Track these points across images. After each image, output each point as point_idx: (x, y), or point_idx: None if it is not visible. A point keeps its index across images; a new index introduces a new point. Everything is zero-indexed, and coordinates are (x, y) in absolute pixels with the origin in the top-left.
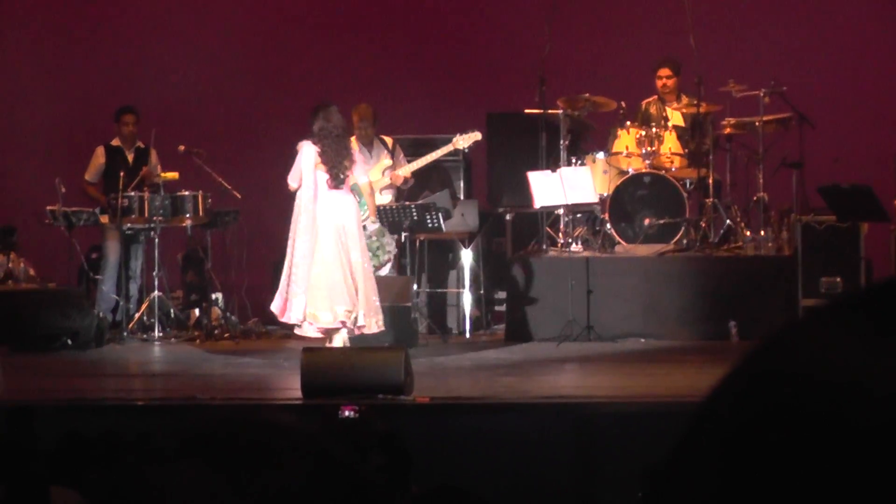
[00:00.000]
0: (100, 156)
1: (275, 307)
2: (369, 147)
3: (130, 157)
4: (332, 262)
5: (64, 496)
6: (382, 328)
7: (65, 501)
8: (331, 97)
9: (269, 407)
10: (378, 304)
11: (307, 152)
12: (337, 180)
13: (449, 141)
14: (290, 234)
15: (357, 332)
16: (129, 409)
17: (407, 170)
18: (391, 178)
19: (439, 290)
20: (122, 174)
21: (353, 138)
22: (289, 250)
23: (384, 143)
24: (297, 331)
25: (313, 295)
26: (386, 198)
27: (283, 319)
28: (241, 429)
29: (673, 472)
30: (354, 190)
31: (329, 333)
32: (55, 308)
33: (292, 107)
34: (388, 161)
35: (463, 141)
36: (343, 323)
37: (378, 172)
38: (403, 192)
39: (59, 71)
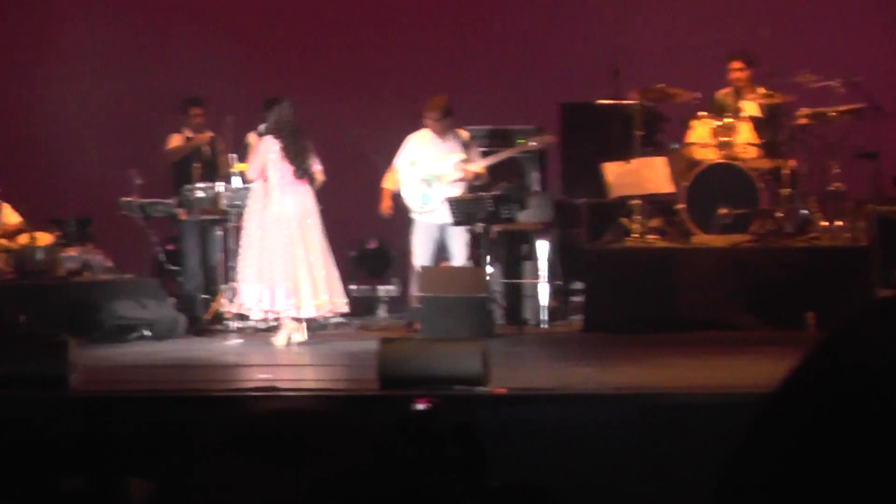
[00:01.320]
0: (176, 139)
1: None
2: (443, 139)
3: (206, 149)
4: (297, 253)
5: (141, 488)
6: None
7: (141, 493)
8: (404, 89)
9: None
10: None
11: (268, 146)
12: (304, 172)
13: (522, 134)
14: (246, 226)
15: (329, 314)
16: (206, 400)
17: (478, 166)
18: (463, 173)
19: (515, 282)
20: (197, 165)
21: (427, 130)
22: (245, 241)
23: (458, 137)
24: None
25: (275, 284)
26: (456, 191)
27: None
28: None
29: (743, 462)
30: (427, 179)
31: (283, 322)
32: (132, 299)
33: (369, 97)
34: (460, 155)
35: (536, 142)
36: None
37: (450, 165)
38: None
39: (134, 62)
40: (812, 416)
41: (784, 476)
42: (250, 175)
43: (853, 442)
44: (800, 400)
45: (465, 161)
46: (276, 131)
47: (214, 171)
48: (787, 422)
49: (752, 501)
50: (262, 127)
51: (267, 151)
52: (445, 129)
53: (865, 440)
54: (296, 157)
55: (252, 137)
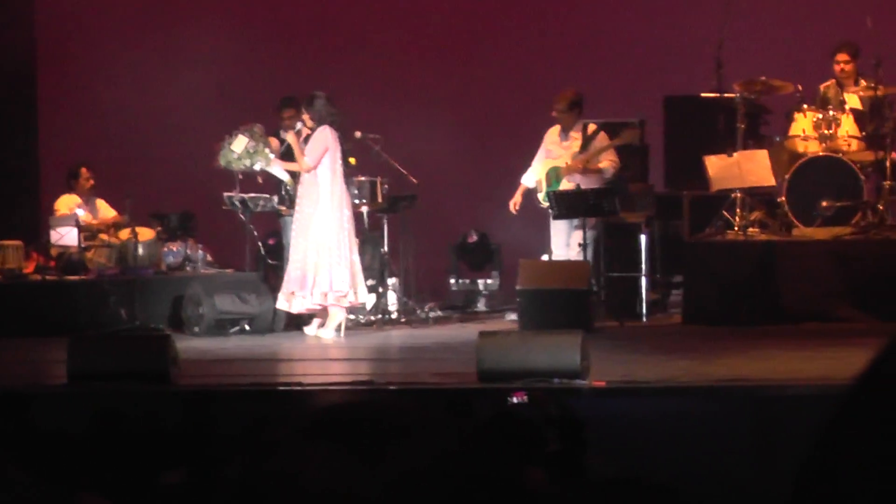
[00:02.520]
0: (275, 142)
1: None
2: (570, 132)
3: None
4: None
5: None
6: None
7: None
8: (506, 82)
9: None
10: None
11: (328, 136)
12: (347, 166)
13: (625, 128)
14: (336, 215)
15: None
16: (304, 394)
17: (578, 161)
18: (573, 165)
19: (617, 274)
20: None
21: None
22: (339, 232)
23: (583, 130)
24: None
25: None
26: (568, 185)
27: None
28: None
29: (833, 445)
30: (550, 174)
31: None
32: (232, 293)
33: (470, 90)
34: (573, 147)
35: (626, 136)
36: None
37: (568, 157)
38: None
39: (238, 58)
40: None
41: (865, 470)
42: (310, 165)
43: None
44: (883, 389)
45: (583, 152)
46: (332, 122)
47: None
48: (870, 412)
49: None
50: (307, 119)
51: (327, 140)
52: (571, 122)
53: None
54: (344, 151)
55: (291, 136)
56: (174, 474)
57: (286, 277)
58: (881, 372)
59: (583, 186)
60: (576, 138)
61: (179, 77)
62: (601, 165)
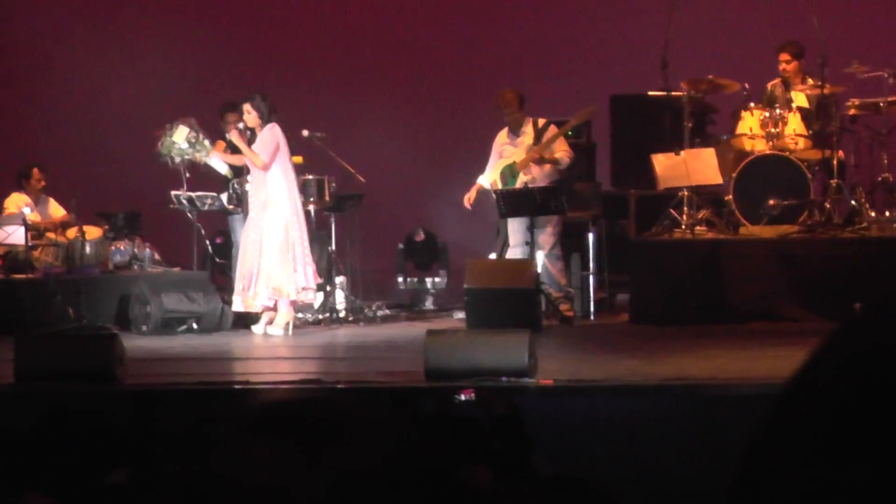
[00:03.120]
0: (221, 146)
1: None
2: (519, 131)
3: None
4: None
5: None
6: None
7: None
8: (455, 82)
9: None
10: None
11: (279, 132)
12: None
13: (572, 128)
14: (289, 212)
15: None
16: (251, 393)
17: (533, 152)
18: (528, 157)
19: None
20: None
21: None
22: (297, 228)
23: (533, 124)
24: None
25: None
26: (524, 178)
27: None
28: (310, 410)
29: (769, 443)
30: (505, 172)
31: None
32: (180, 292)
33: (417, 89)
34: (526, 142)
35: (582, 115)
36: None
37: (522, 153)
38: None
39: (186, 59)
40: (839, 399)
41: (809, 457)
42: (265, 161)
43: (881, 425)
44: (827, 383)
45: (537, 148)
46: (277, 119)
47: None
48: (813, 404)
49: (772, 495)
50: (252, 119)
51: (277, 137)
52: (519, 121)
53: (885, 424)
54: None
55: (234, 134)
56: (119, 473)
57: (237, 276)
58: (815, 372)
59: (539, 180)
60: (527, 133)
61: (127, 76)
62: (557, 156)
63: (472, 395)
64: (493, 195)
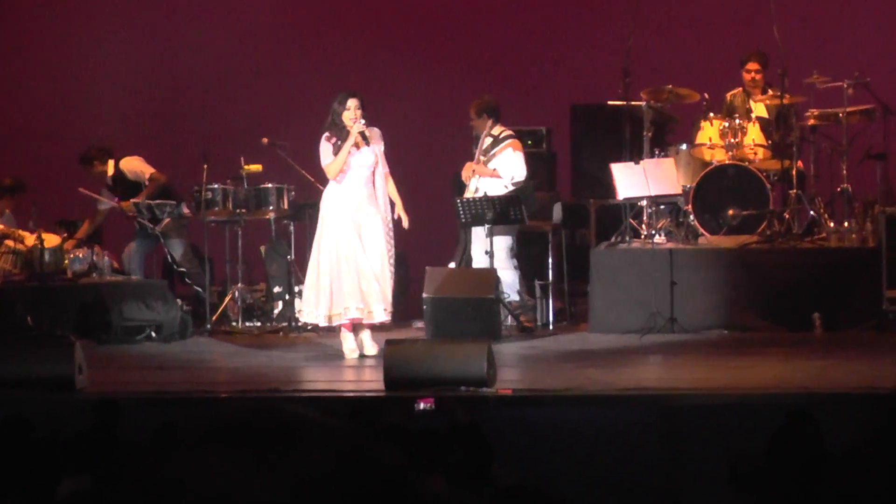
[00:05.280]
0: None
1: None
2: (479, 138)
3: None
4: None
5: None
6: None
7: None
8: (415, 92)
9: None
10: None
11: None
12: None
13: (533, 136)
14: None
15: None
16: (210, 402)
17: (467, 166)
18: (466, 170)
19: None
20: (205, 167)
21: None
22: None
23: (492, 136)
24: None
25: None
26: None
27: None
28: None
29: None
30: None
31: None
32: (139, 300)
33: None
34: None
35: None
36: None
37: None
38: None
39: (135, 59)
40: None
41: None
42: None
43: None
44: None
45: (474, 164)
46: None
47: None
48: None
49: None
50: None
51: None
52: (481, 127)
53: None
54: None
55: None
56: (78, 481)
57: (348, 290)
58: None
59: (488, 192)
60: (484, 143)
61: (84, 83)
62: (497, 173)
63: (432, 404)
64: (455, 203)
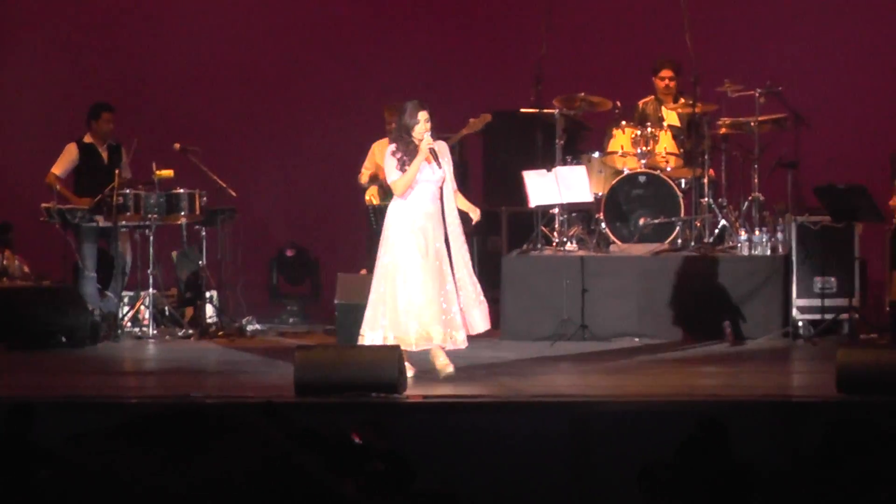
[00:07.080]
0: (72, 151)
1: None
2: None
3: (105, 155)
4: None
5: None
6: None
7: None
8: (326, 96)
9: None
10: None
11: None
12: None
13: (446, 138)
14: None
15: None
16: (125, 407)
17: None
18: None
19: None
20: (117, 171)
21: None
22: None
23: None
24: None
25: None
26: None
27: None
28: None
29: None
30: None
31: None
32: (50, 305)
33: (290, 105)
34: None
35: (476, 123)
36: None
37: None
38: None
39: (55, 68)
40: None
41: None
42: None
43: None
44: None
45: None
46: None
47: (110, 178)
48: None
49: None
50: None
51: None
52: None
53: None
54: None
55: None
56: None
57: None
58: None
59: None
60: None
61: (3, 85)
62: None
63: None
64: (368, 210)
